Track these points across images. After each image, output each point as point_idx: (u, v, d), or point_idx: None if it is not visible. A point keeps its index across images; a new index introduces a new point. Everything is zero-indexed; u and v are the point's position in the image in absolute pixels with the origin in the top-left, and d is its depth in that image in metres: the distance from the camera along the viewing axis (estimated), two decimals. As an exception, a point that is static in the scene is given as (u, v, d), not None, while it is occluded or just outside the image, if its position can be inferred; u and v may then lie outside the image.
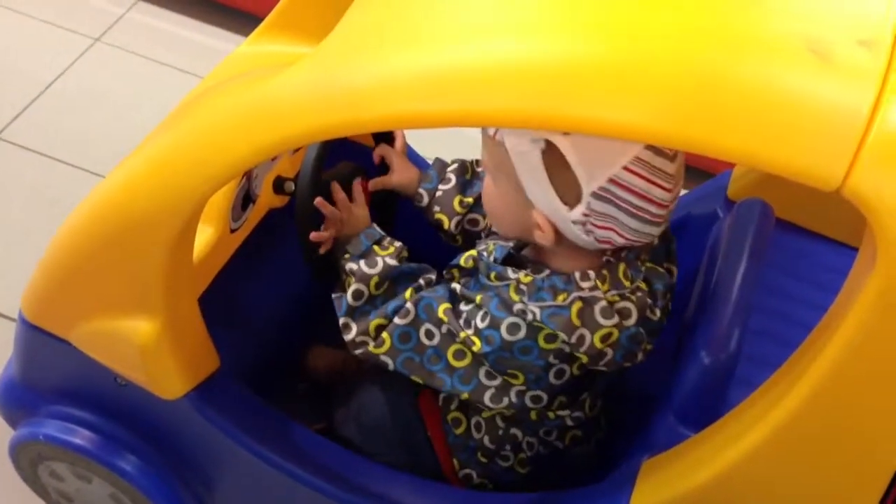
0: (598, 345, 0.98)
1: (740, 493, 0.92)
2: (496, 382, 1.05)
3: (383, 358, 1.07)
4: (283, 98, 0.85)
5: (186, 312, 1.08)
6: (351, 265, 1.10)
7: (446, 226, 1.24)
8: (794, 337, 0.92)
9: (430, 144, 1.48)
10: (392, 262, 1.09)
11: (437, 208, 1.25)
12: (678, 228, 1.32)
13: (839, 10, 0.79)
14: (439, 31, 0.81)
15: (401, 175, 1.27)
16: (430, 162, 1.28)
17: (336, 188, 1.16)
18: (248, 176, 1.22)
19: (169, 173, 0.94)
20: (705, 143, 0.73)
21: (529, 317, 0.98)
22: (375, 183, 1.25)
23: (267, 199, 1.31)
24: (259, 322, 1.37)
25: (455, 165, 1.26)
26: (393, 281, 1.09)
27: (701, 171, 1.95)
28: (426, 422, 1.17)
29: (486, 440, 1.14)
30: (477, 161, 1.26)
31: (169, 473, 1.20)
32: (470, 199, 1.24)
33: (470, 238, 1.25)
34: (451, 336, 1.04)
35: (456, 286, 1.07)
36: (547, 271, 1.01)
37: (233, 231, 1.23)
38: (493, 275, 1.04)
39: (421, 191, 1.25)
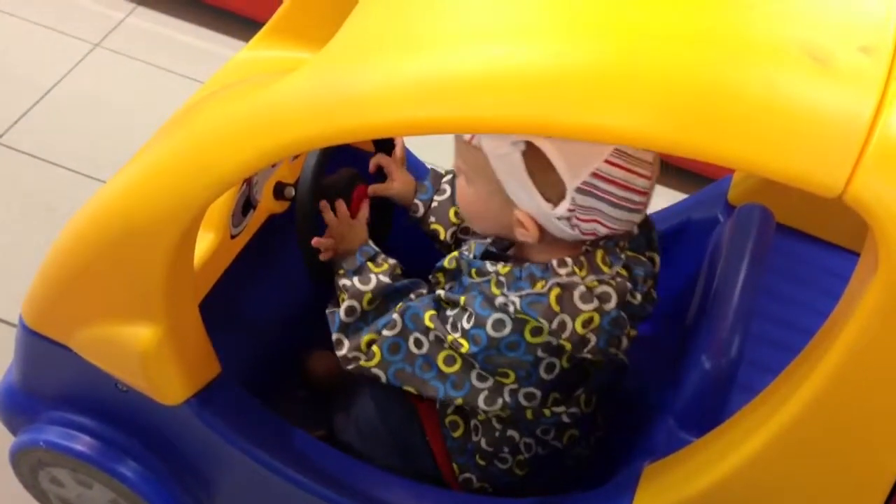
0: (580, 330, 0.99)
1: (742, 498, 0.92)
2: (488, 384, 1.05)
3: (375, 370, 1.08)
4: (284, 104, 0.85)
5: (187, 318, 1.08)
6: (345, 281, 1.10)
7: (442, 236, 1.25)
8: (795, 342, 0.92)
9: (429, 150, 1.48)
10: (385, 279, 1.10)
11: (432, 219, 1.25)
12: (678, 233, 1.33)
13: (840, 16, 0.79)
14: (441, 38, 0.81)
15: (398, 184, 1.27)
16: (430, 167, 1.29)
17: (340, 203, 1.16)
18: (249, 182, 1.22)
19: (170, 179, 0.94)
20: (707, 150, 0.73)
21: (511, 308, 0.98)
22: (374, 189, 1.26)
23: (267, 204, 1.31)
24: (259, 327, 1.37)
25: (450, 176, 1.26)
26: (385, 298, 1.10)
27: (701, 176, 1.96)
28: (425, 426, 1.17)
29: (483, 442, 1.14)
30: None
31: (170, 479, 1.20)
32: None
33: None
34: (439, 342, 1.05)
35: (440, 292, 1.08)
36: (527, 264, 1.01)
37: (233, 237, 1.23)
38: (473, 271, 1.05)
39: (416, 202, 1.26)
